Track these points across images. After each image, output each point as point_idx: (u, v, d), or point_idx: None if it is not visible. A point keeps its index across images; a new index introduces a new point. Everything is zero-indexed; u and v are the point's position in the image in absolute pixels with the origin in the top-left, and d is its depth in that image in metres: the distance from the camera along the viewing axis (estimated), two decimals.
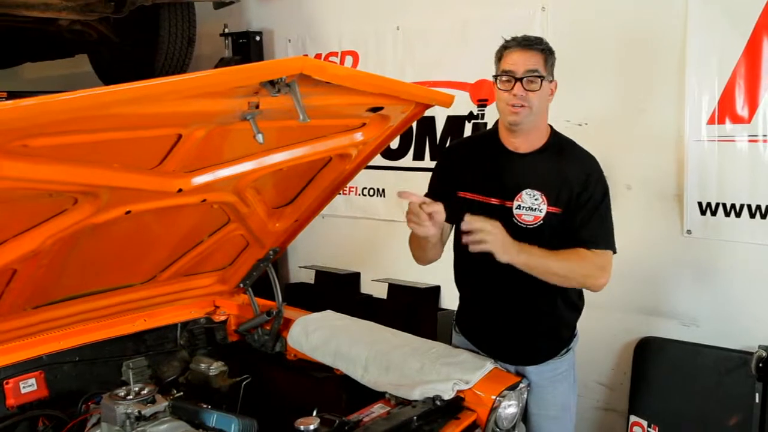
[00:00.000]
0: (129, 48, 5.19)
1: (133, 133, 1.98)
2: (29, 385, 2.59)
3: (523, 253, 2.47)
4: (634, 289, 3.71)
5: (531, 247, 2.50)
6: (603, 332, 3.82)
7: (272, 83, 1.96)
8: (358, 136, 2.70)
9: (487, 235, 2.40)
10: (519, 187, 2.60)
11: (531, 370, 2.73)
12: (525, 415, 2.71)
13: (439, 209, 2.44)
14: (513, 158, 2.64)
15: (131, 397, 2.36)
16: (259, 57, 5.22)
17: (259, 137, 2.07)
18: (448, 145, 2.78)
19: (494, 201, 2.65)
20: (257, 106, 2.07)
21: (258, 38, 5.28)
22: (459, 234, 2.75)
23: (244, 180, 2.59)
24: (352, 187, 4.90)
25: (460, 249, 2.78)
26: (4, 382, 2.54)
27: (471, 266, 2.79)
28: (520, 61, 2.51)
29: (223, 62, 5.14)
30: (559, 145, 2.66)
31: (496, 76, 2.57)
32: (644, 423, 3.61)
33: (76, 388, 2.71)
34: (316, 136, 2.61)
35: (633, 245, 3.69)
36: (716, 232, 3.46)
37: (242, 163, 2.47)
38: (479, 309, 2.85)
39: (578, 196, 2.57)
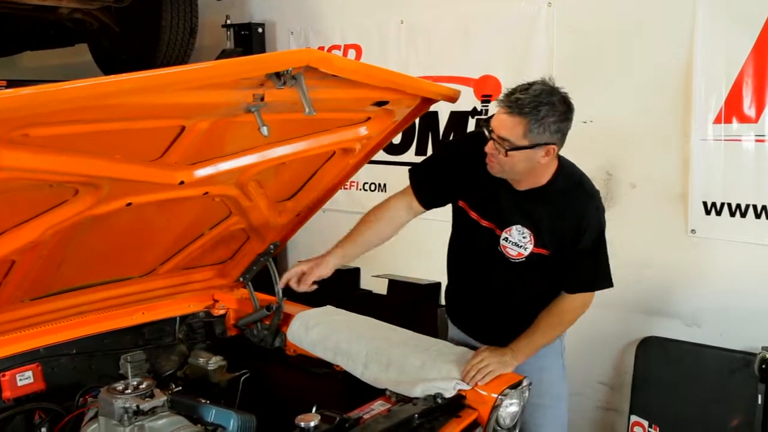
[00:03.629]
0: (130, 38, 5.14)
1: (135, 123, 1.96)
2: (26, 378, 2.57)
3: (520, 353, 2.56)
4: (636, 289, 3.70)
5: (519, 342, 2.58)
6: (605, 332, 3.81)
7: (278, 75, 1.94)
8: (363, 131, 2.68)
9: (486, 367, 2.46)
10: (511, 220, 2.61)
11: None
12: None
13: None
14: (510, 191, 2.61)
15: (129, 391, 2.34)
16: (262, 49, 5.19)
17: (264, 130, 2.05)
18: (459, 140, 2.72)
19: (486, 224, 2.67)
20: (262, 98, 2.05)
21: (260, 30, 5.25)
22: (456, 232, 2.86)
23: (247, 173, 2.56)
24: (354, 182, 4.87)
25: (453, 244, 2.88)
26: (1, 374, 2.51)
27: (462, 260, 2.87)
28: (497, 123, 2.43)
29: (224, 54, 5.10)
30: (562, 186, 2.59)
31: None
32: (645, 423, 3.60)
33: (74, 381, 2.69)
34: (320, 130, 2.58)
35: (636, 244, 3.69)
36: (721, 232, 3.45)
37: (245, 156, 2.45)
38: (467, 297, 2.89)
39: (571, 242, 2.56)
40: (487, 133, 2.46)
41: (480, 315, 2.84)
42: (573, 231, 2.55)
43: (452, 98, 2.69)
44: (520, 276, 2.66)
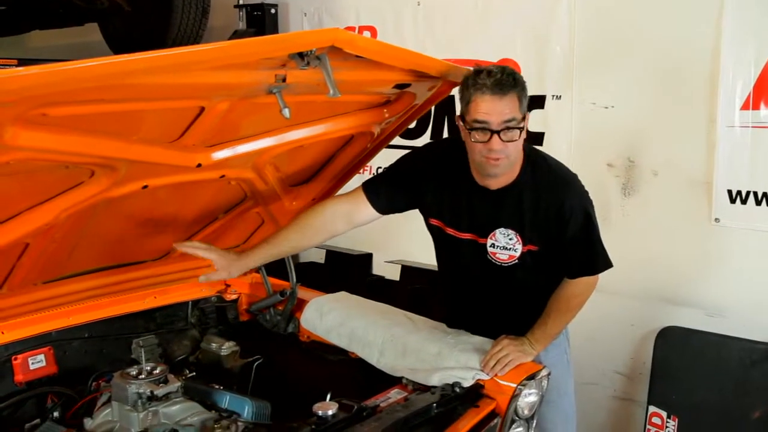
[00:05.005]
0: (141, 17, 5.08)
1: (154, 104, 1.92)
2: (38, 361, 2.56)
3: (537, 342, 2.54)
4: (656, 277, 3.66)
5: (534, 333, 2.55)
6: (622, 320, 3.77)
7: (301, 55, 1.88)
8: (383, 114, 2.64)
9: (506, 356, 2.44)
10: (492, 225, 2.54)
11: None
12: None
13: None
14: (484, 194, 2.53)
15: (143, 376, 2.32)
16: (274, 30, 5.14)
17: (286, 112, 2.01)
18: (421, 153, 2.64)
19: (467, 236, 2.60)
20: (284, 80, 2.01)
21: (273, 11, 5.18)
22: (438, 249, 2.78)
23: (264, 156, 2.53)
24: (367, 167, 4.81)
25: (439, 261, 2.81)
26: (13, 357, 2.50)
27: (453, 276, 2.82)
28: (494, 111, 2.29)
29: (237, 35, 5.06)
30: (532, 175, 2.51)
31: (467, 125, 2.36)
32: (663, 414, 3.55)
33: (85, 365, 2.69)
34: (340, 113, 2.55)
35: (657, 232, 3.65)
36: (746, 221, 3.38)
37: (263, 139, 2.42)
38: (468, 308, 2.82)
39: (557, 231, 2.49)
40: (487, 131, 2.31)
41: (484, 323, 2.74)
42: (557, 221, 2.47)
43: None
44: (517, 278, 2.60)
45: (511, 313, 2.67)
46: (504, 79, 2.29)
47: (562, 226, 2.48)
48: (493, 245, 2.55)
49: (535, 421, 2.53)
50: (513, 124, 2.31)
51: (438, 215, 2.64)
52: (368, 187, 2.68)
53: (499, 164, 2.39)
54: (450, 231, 2.63)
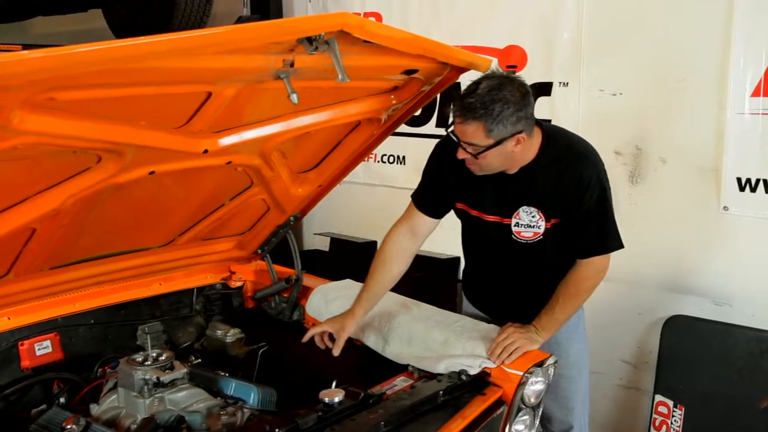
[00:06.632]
0: (145, 4, 5.05)
1: (162, 88, 1.91)
2: (44, 347, 2.58)
3: (544, 330, 2.55)
4: (663, 266, 3.64)
5: (541, 319, 2.56)
6: (628, 309, 3.76)
7: (310, 40, 1.87)
8: (390, 100, 2.62)
9: (512, 344, 2.45)
10: (515, 204, 2.58)
11: None
12: None
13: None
14: (504, 177, 2.56)
15: (149, 362, 2.33)
16: (279, 16, 5.09)
17: (294, 97, 2.00)
18: (440, 145, 2.72)
19: (491, 218, 2.64)
20: (292, 64, 1.99)
21: None
22: (465, 227, 2.83)
23: (271, 142, 2.52)
24: (372, 154, 4.80)
25: (464, 236, 2.87)
26: (19, 343, 2.52)
27: (477, 252, 2.88)
28: (459, 131, 2.40)
29: (241, 20, 4.99)
30: (550, 153, 2.53)
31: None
32: (670, 403, 3.54)
33: (91, 352, 2.70)
34: (347, 99, 2.53)
35: (665, 220, 3.63)
36: (755, 209, 3.35)
37: (270, 125, 2.40)
38: (487, 281, 2.87)
39: (573, 204, 2.51)
40: (456, 140, 2.43)
41: (502, 297, 2.81)
42: (574, 193, 2.49)
43: (484, 67, 2.59)
44: (542, 254, 2.62)
45: (535, 290, 2.68)
46: (473, 105, 2.32)
47: (578, 198, 2.49)
48: (517, 224, 2.58)
49: (541, 409, 2.54)
50: (471, 149, 2.39)
51: (463, 200, 2.69)
52: (416, 199, 2.77)
53: (473, 170, 2.50)
54: (475, 213, 2.67)
